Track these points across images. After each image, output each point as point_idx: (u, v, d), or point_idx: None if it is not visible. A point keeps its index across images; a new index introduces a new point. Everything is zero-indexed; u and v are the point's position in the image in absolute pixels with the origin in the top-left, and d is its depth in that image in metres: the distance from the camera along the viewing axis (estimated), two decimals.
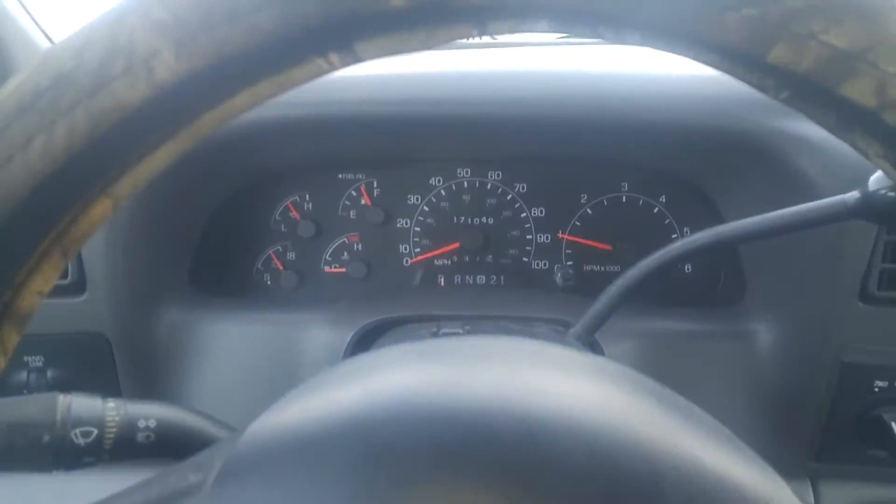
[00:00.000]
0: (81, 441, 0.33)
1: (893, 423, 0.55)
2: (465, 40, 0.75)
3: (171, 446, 0.36)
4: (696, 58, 0.19)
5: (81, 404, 0.34)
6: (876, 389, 0.55)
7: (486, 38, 0.74)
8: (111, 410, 0.35)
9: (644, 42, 0.19)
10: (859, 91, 0.17)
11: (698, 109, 0.55)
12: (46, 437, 0.33)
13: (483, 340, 0.26)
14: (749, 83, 0.19)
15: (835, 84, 0.17)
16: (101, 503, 0.23)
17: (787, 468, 0.61)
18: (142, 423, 0.35)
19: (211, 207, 0.64)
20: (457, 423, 0.20)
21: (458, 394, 0.21)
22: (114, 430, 0.34)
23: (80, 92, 0.17)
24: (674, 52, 0.19)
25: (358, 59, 0.20)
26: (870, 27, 0.16)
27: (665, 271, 0.48)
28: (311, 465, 0.20)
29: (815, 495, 0.62)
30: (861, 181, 0.41)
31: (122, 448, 0.34)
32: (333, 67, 0.20)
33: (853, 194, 0.41)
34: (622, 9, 0.17)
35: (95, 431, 0.33)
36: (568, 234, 0.67)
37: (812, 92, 0.18)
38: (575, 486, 0.18)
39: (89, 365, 0.55)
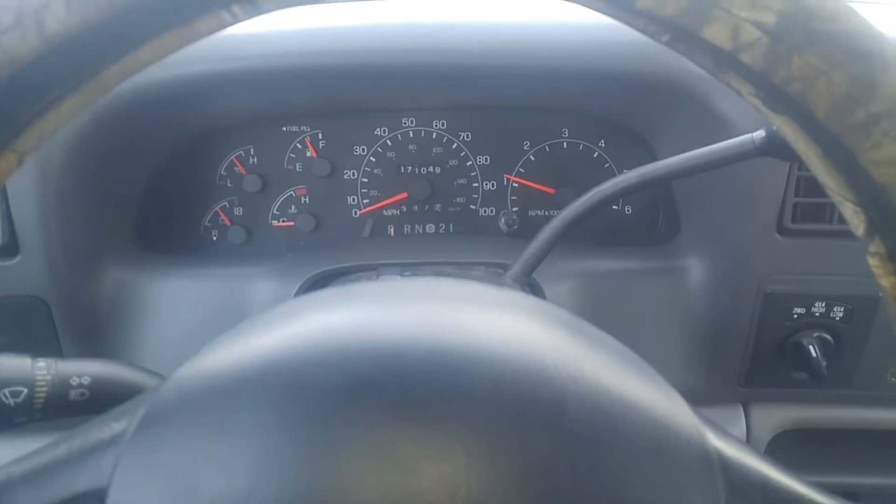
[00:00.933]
0: (11, 401, 0.33)
1: (811, 347, 0.59)
2: None
3: (108, 402, 0.36)
4: (584, 4, 0.21)
5: (9, 363, 0.34)
6: (795, 316, 0.59)
7: None
8: (41, 370, 0.34)
9: None
10: (717, 34, 0.19)
11: (628, 55, 0.56)
12: None
13: (400, 282, 0.27)
14: (638, 29, 0.21)
15: (696, 28, 0.19)
16: (23, 458, 0.23)
17: (720, 394, 0.65)
18: (75, 381, 0.35)
19: (153, 164, 0.63)
20: (369, 358, 0.21)
21: (373, 332, 0.22)
22: (44, 388, 0.34)
23: None
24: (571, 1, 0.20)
25: (260, 11, 0.20)
26: None
27: (596, 211, 0.50)
28: (231, 405, 0.21)
29: (746, 418, 0.67)
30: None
31: (54, 406, 0.34)
32: (237, 19, 0.20)
33: (759, 133, 0.44)
34: None
35: (25, 391, 0.33)
36: (514, 176, 0.69)
37: (682, 35, 0.20)
38: (482, 412, 0.20)
39: (27, 329, 0.55)
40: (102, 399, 0.36)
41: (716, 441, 0.22)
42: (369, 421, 0.19)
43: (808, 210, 0.56)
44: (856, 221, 0.22)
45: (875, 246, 0.22)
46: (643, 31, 0.20)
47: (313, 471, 0.19)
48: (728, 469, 0.22)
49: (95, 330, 0.57)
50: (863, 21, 0.19)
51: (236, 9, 0.20)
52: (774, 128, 0.42)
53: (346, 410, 0.20)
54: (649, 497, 0.20)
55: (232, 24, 0.20)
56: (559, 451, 0.20)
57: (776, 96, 0.20)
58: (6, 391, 0.33)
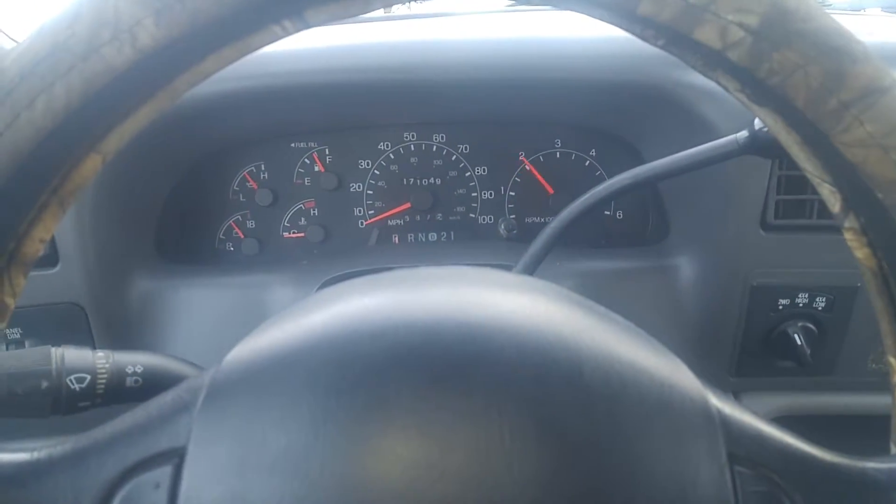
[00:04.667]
0: (76, 387, 0.36)
1: (796, 336, 0.63)
2: (406, 11, 0.79)
3: (159, 389, 0.40)
4: (586, 12, 0.23)
5: (74, 354, 0.37)
6: (780, 307, 0.63)
7: (425, 8, 0.78)
8: (101, 359, 0.37)
9: (543, 2, 0.23)
10: (707, 35, 0.21)
11: (615, 67, 0.61)
12: (45, 384, 0.35)
13: (429, 269, 0.29)
14: (635, 34, 0.23)
15: (689, 31, 0.21)
16: (106, 425, 0.25)
17: (713, 384, 0.68)
18: (130, 370, 0.38)
19: (171, 181, 0.67)
20: (409, 331, 0.23)
21: (410, 308, 0.24)
22: (105, 375, 0.37)
23: (74, 57, 0.20)
24: (566, 8, 0.23)
25: (307, 25, 0.23)
26: None
27: (591, 212, 0.53)
28: (287, 374, 0.23)
29: None
30: (752, 123, 0.47)
31: (113, 392, 0.37)
32: (287, 33, 0.23)
33: (743, 133, 0.48)
34: None
35: (88, 378, 0.36)
36: (511, 185, 0.73)
37: (676, 38, 0.22)
38: (508, 375, 0.22)
39: (66, 334, 0.58)
40: (154, 386, 0.38)
41: (716, 400, 0.25)
42: (412, 384, 0.22)
43: (789, 206, 0.60)
44: (832, 200, 0.25)
45: (850, 221, 0.25)
46: (640, 36, 0.23)
47: (364, 429, 0.21)
48: (727, 422, 0.24)
49: (125, 334, 0.61)
50: (833, 21, 0.21)
51: (287, 23, 0.23)
52: (757, 123, 0.46)
53: (390, 375, 0.22)
54: (660, 446, 0.22)
55: (283, 37, 0.23)
56: (579, 406, 0.22)
57: (760, 90, 0.23)
58: (72, 378, 0.35)
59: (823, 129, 0.22)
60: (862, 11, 0.97)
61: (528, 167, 0.72)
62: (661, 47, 0.23)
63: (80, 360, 0.37)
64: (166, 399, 0.25)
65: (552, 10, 0.24)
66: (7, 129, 0.21)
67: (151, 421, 0.24)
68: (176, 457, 0.23)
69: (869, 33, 0.63)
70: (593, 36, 0.63)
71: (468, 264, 0.65)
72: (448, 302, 0.25)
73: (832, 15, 0.22)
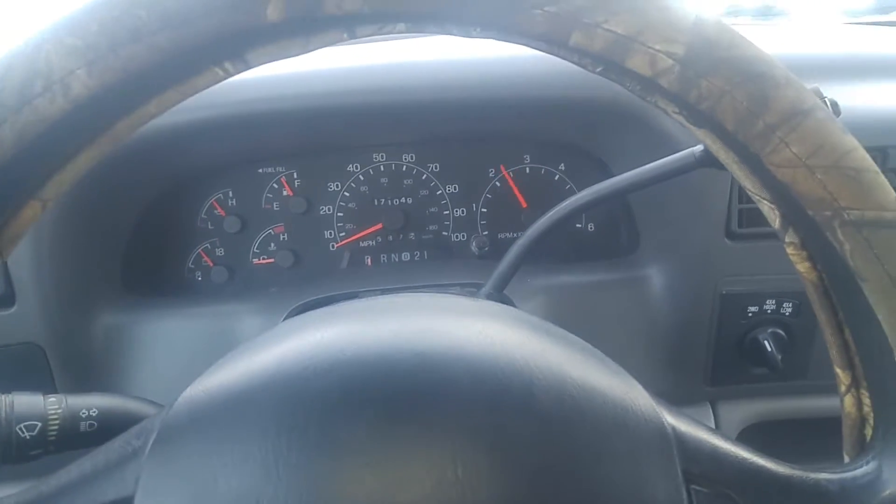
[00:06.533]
0: (26, 435, 0.35)
1: (766, 342, 0.64)
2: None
3: (115, 431, 0.39)
4: (526, 44, 0.24)
5: (23, 401, 0.36)
6: (750, 314, 0.64)
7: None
8: (52, 405, 0.36)
9: (483, 35, 0.24)
10: (638, 64, 0.22)
11: (577, 84, 0.61)
12: None
13: (387, 298, 0.29)
14: (573, 62, 0.24)
15: (621, 60, 0.22)
16: (51, 476, 0.25)
17: (688, 395, 0.69)
18: (84, 413, 0.37)
19: (137, 211, 0.66)
20: (359, 365, 0.23)
21: (361, 341, 0.24)
22: (56, 422, 0.36)
23: (5, 110, 0.20)
24: (508, 41, 0.24)
25: (248, 66, 0.23)
26: (639, 17, 0.22)
27: (558, 227, 0.53)
28: (238, 415, 0.23)
29: (714, 415, 0.71)
30: None
31: (66, 438, 0.36)
32: (228, 74, 0.23)
33: (699, 147, 0.48)
34: (459, 11, 0.22)
35: (39, 425, 0.35)
36: (482, 202, 0.73)
37: (611, 66, 0.23)
38: (460, 405, 0.22)
39: (24, 375, 0.56)
40: (110, 429, 0.37)
41: (670, 419, 0.25)
42: (364, 418, 0.22)
43: (751, 215, 0.61)
44: (772, 216, 0.26)
45: (790, 236, 0.26)
46: (579, 64, 0.24)
47: (316, 469, 0.21)
48: (682, 441, 0.24)
49: (89, 372, 0.59)
50: (755, 48, 0.22)
51: (228, 65, 0.23)
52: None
53: (341, 412, 0.22)
54: (615, 467, 0.23)
55: (225, 78, 0.23)
56: (532, 432, 0.22)
57: (694, 113, 0.24)
58: (22, 426, 0.35)
59: (754, 151, 0.23)
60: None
61: (498, 183, 0.73)
62: (600, 74, 0.24)
63: (30, 406, 0.36)
64: (114, 446, 0.25)
65: (496, 41, 0.24)
66: None
67: (98, 471, 0.24)
68: None
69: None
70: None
71: (441, 283, 0.66)
72: (400, 333, 0.25)
73: (750, 39, 0.22)
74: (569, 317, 0.65)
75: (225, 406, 0.24)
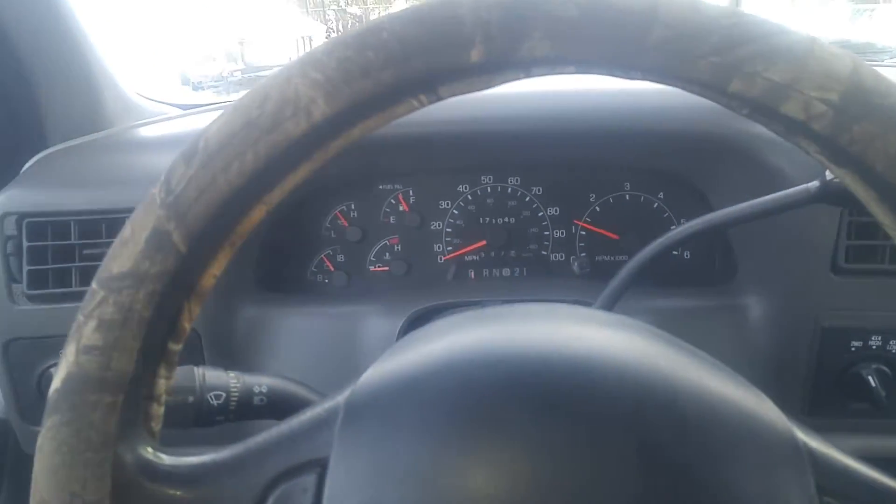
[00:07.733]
0: (215, 402, 0.41)
1: (870, 378, 0.63)
2: None
3: (280, 407, 0.43)
4: (683, 88, 0.26)
5: (212, 374, 0.41)
6: (853, 349, 0.64)
7: None
8: (233, 379, 0.42)
9: (642, 78, 0.26)
10: (793, 109, 0.23)
11: (686, 118, 0.64)
12: (191, 398, 0.40)
13: (527, 306, 0.32)
14: (721, 104, 0.26)
15: (776, 105, 0.23)
16: (250, 439, 0.28)
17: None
18: (256, 389, 0.43)
19: (270, 219, 0.74)
20: (521, 362, 0.26)
21: (520, 341, 0.28)
22: (237, 394, 0.42)
23: (262, 131, 0.24)
24: (665, 84, 0.26)
25: (439, 98, 0.26)
26: (796, 66, 0.23)
27: (666, 254, 0.56)
28: (412, 399, 0.26)
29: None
30: (821, 172, 0.50)
31: (242, 409, 0.42)
32: (422, 105, 0.26)
33: (814, 183, 0.50)
34: (632, 60, 0.24)
35: (224, 395, 0.41)
36: (582, 226, 0.77)
37: (762, 110, 0.24)
38: (610, 402, 0.25)
39: (184, 355, 0.65)
40: (277, 405, 0.43)
41: (802, 434, 0.26)
42: (525, 409, 0.25)
43: (860, 251, 0.61)
44: None
45: None
46: (727, 106, 0.25)
47: (482, 447, 0.24)
48: (814, 455, 0.25)
49: (232, 357, 0.67)
50: None
51: (423, 97, 0.26)
52: (833, 177, 0.48)
53: (505, 401, 0.25)
54: (750, 474, 0.24)
55: (417, 109, 0.26)
56: (675, 432, 0.24)
57: (839, 154, 0.24)
58: (211, 394, 0.41)
59: None
60: None
61: (598, 208, 0.76)
62: (746, 116, 0.25)
63: (218, 379, 0.42)
64: (307, 416, 0.29)
65: (653, 83, 0.26)
66: (208, 187, 0.25)
67: (296, 434, 0.28)
68: (319, 466, 0.26)
69: None
70: (662, 87, 0.66)
71: (542, 299, 0.70)
72: (553, 336, 0.28)
73: None
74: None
75: (403, 389, 0.27)
